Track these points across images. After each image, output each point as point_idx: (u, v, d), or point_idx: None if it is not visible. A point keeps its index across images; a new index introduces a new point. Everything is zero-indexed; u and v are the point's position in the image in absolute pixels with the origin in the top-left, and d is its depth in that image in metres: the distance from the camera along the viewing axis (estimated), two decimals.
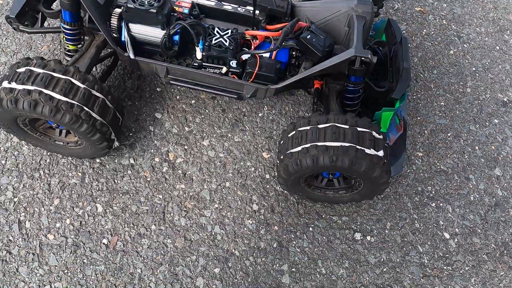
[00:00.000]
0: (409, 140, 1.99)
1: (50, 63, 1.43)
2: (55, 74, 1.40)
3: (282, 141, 1.55)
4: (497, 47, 2.36)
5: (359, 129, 1.40)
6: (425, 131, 2.03)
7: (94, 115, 1.46)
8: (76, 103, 1.41)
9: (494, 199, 1.87)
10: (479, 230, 1.79)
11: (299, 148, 1.41)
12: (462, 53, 2.32)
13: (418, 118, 2.07)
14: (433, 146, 1.99)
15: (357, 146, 1.36)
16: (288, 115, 2.00)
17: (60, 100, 1.38)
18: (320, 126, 1.42)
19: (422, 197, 1.85)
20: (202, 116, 1.94)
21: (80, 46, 1.70)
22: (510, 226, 1.81)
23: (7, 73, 1.43)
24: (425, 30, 2.40)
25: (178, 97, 1.98)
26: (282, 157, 1.51)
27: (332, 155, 1.35)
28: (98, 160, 1.76)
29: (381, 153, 1.40)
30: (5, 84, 1.38)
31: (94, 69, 1.90)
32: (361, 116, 1.85)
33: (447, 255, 1.73)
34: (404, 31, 2.37)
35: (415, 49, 2.32)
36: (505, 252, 1.75)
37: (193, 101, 1.97)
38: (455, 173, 1.92)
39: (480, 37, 2.39)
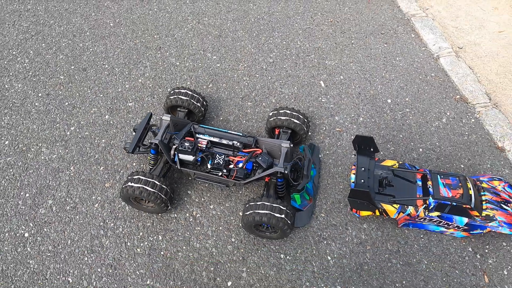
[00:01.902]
0: (318, 204, 3.77)
1: (146, 174, 3.43)
2: (149, 179, 3.39)
3: (244, 208, 3.41)
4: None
5: (273, 204, 3.24)
6: (328, 202, 3.81)
7: (162, 196, 3.41)
8: (157, 191, 3.37)
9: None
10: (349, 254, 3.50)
11: (250, 212, 3.27)
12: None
13: (325, 195, 3.86)
14: (332, 211, 3.75)
15: (272, 212, 3.20)
16: (253, 194, 3.87)
17: (150, 191, 3.35)
18: (258, 203, 3.28)
19: (320, 238, 3.59)
20: (210, 192, 3.86)
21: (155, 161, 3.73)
22: None
23: (129, 177, 3.43)
24: (339, 142, 4.27)
25: (200, 182, 3.92)
26: (242, 215, 3.36)
27: (262, 215, 3.19)
28: (156, 218, 3.69)
29: (283, 215, 3.22)
30: (130, 183, 3.38)
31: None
32: (289, 192, 3.72)
33: (327, 269, 3.43)
34: (327, 143, 4.25)
35: (332, 154, 4.17)
36: None
37: (207, 184, 3.91)
38: (340, 226, 3.66)
39: None
